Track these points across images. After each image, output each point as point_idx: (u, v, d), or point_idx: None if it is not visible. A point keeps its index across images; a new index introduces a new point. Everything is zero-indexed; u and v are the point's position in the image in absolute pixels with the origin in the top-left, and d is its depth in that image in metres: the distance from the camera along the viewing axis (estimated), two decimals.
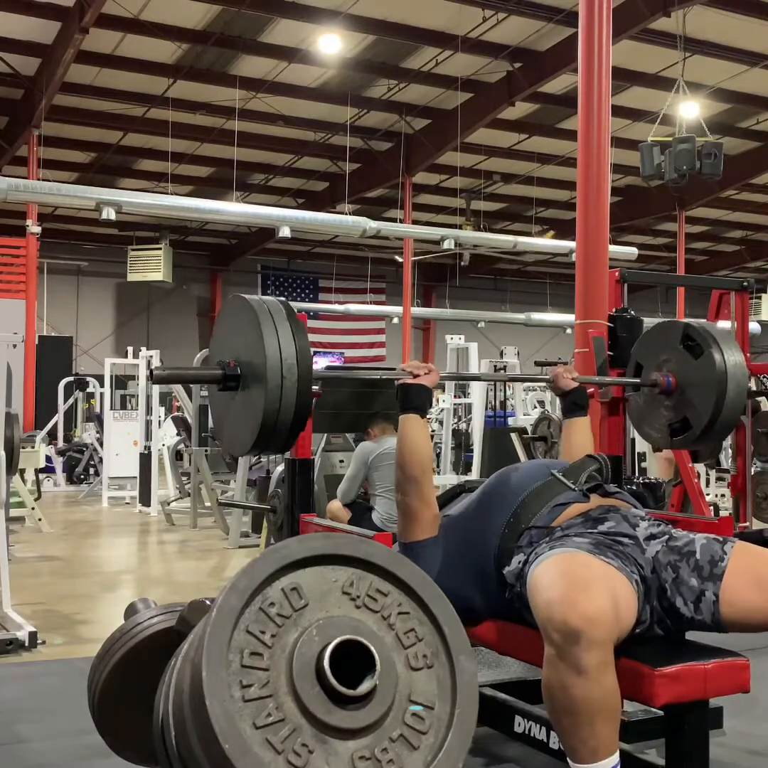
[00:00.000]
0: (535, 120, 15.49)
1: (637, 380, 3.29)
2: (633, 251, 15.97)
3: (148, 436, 10.36)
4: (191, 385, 9.24)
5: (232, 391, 2.58)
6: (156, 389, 10.44)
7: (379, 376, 3.22)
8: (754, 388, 5.59)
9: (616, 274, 5.46)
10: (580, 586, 2.02)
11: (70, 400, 13.30)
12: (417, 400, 2.62)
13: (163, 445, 10.50)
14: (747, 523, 5.30)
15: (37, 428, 12.93)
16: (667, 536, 2.33)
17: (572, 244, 11.92)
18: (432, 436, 12.06)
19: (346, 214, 15.96)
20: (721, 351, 3.05)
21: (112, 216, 12.25)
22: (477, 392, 10.37)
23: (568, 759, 2.04)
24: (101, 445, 11.56)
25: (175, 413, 11.35)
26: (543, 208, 20.12)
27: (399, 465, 2.54)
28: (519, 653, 2.55)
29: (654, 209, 19.35)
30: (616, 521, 2.34)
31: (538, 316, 22.26)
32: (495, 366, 10.94)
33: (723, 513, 7.48)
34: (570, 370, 3.03)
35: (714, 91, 13.98)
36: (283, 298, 2.66)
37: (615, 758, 2.00)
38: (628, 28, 11.30)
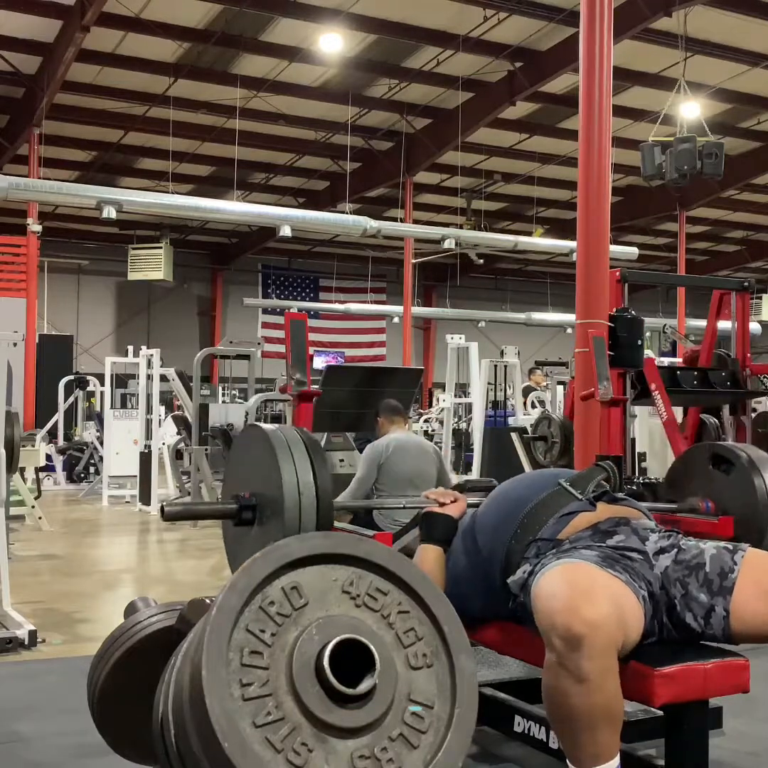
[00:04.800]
0: (536, 120, 15.50)
1: (675, 506, 3.19)
2: (634, 251, 15.98)
3: (148, 434, 10.35)
4: (192, 385, 9.25)
5: (248, 526, 2.49)
6: (156, 388, 10.44)
7: (403, 505, 3.04)
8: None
9: (617, 274, 5.47)
10: (582, 594, 2.00)
11: (71, 399, 13.29)
12: (440, 531, 2.52)
13: (164, 443, 10.50)
14: None
15: (38, 427, 12.92)
16: (676, 549, 2.29)
17: (573, 244, 11.93)
18: (432, 437, 12.11)
19: (347, 213, 15.96)
20: (753, 463, 3.02)
21: (113, 215, 12.28)
22: (477, 392, 10.37)
23: (567, 761, 2.03)
24: (101, 443, 11.55)
25: (176, 412, 11.35)
26: (544, 207, 20.12)
27: None
28: (519, 653, 2.55)
29: (655, 209, 19.35)
30: (626, 535, 2.30)
31: (538, 315, 22.27)
32: (495, 365, 10.93)
33: None
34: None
35: (715, 91, 13.98)
36: (302, 429, 2.54)
37: (615, 762, 1.98)
38: (630, 28, 11.31)
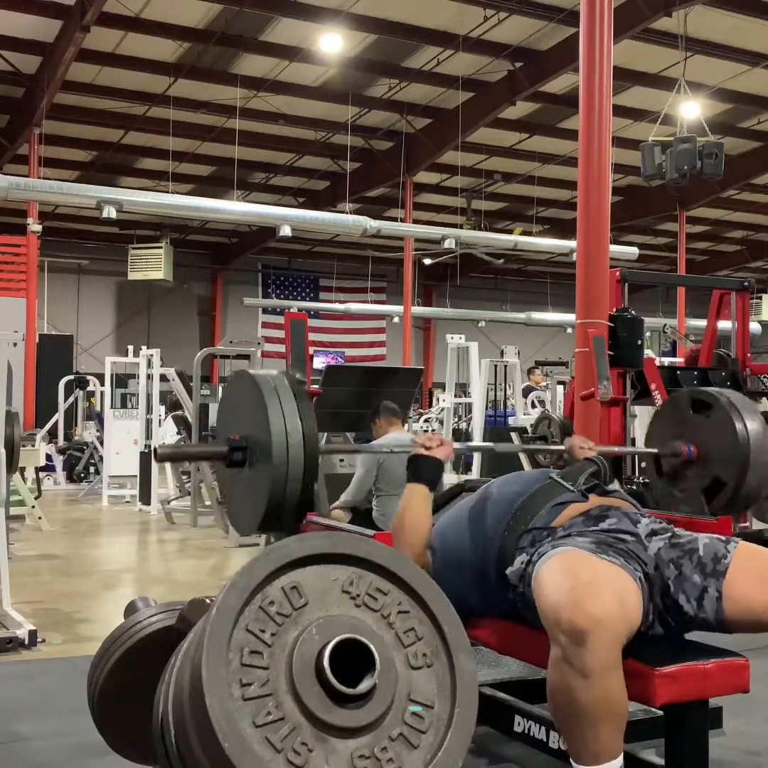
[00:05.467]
0: (536, 119, 15.49)
1: (656, 450, 3.24)
2: (634, 251, 15.97)
3: (148, 434, 10.36)
4: (192, 385, 9.25)
5: (239, 467, 2.55)
6: (156, 388, 10.45)
7: (389, 450, 3.15)
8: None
9: (617, 273, 5.47)
10: (586, 588, 2.01)
11: (71, 399, 13.30)
12: (427, 471, 2.62)
13: (164, 443, 10.50)
14: (747, 523, 5.29)
15: (38, 427, 12.91)
16: (669, 534, 2.33)
17: (573, 244, 11.93)
18: None
19: (347, 213, 15.96)
20: (732, 404, 3.04)
21: (113, 214, 12.27)
22: (477, 392, 10.37)
23: (570, 760, 2.03)
24: (101, 443, 11.55)
25: (176, 412, 11.35)
26: (544, 207, 20.12)
27: (397, 531, 2.54)
28: (519, 653, 2.56)
29: (655, 209, 19.34)
30: (617, 518, 2.34)
31: (538, 315, 22.26)
32: (495, 365, 10.93)
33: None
34: (585, 439, 2.90)
35: (715, 91, 13.97)
36: (289, 374, 2.63)
37: (618, 761, 1.98)
38: (630, 28, 11.30)
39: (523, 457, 8.20)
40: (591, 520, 2.35)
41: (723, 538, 2.31)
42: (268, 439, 2.41)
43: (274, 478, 2.40)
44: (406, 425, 5.95)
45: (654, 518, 2.41)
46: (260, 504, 2.46)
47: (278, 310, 21.75)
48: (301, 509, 2.50)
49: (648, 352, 6.81)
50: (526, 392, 12.04)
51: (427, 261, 19.71)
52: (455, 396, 11.31)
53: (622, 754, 2.00)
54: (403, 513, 2.55)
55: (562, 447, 2.91)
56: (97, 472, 11.98)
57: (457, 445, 2.79)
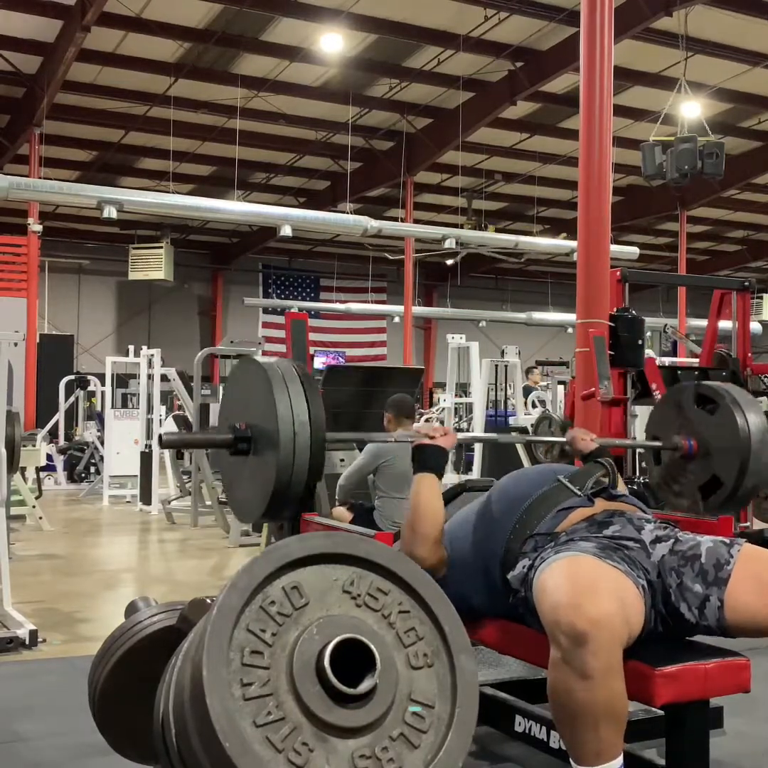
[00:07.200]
0: (536, 119, 15.49)
1: (658, 444, 3.22)
2: (634, 251, 15.96)
3: (149, 434, 10.36)
4: (192, 385, 9.25)
5: (243, 456, 2.53)
6: (157, 388, 10.45)
7: (393, 439, 3.11)
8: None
9: (618, 273, 5.47)
10: (586, 590, 2.00)
11: (71, 399, 13.29)
12: (432, 460, 2.60)
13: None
14: (748, 523, 5.29)
15: (38, 427, 12.91)
16: (672, 540, 2.30)
17: (573, 244, 11.93)
18: None
19: (348, 213, 15.96)
20: (736, 401, 3.03)
21: (114, 214, 12.26)
22: (478, 392, 10.37)
23: (570, 760, 2.03)
24: (102, 443, 11.55)
25: (176, 412, 11.35)
26: (544, 207, 20.12)
27: (410, 523, 2.51)
28: (519, 652, 2.55)
29: (655, 209, 19.34)
30: (621, 525, 2.32)
31: (539, 315, 22.26)
32: (496, 365, 10.93)
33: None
34: (586, 431, 2.90)
35: (716, 90, 13.97)
36: (297, 363, 2.58)
37: (618, 762, 1.99)
38: (630, 28, 11.30)
39: (523, 455, 8.20)
40: (595, 526, 2.33)
41: (727, 541, 2.28)
42: (275, 426, 2.37)
43: (280, 465, 2.38)
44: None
45: (659, 523, 2.38)
46: (265, 492, 2.43)
47: (279, 310, 21.76)
48: (306, 496, 2.48)
49: (649, 352, 6.81)
50: (526, 392, 12.05)
51: (449, 261, 19.73)
52: (456, 396, 11.31)
53: (621, 756, 2.00)
54: (415, 504, 2.51)
55: (563, 439, 2.89)
56: (98, 472, 11.98)
57: (460, 435, 2.78)
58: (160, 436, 2.63)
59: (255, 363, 2.55)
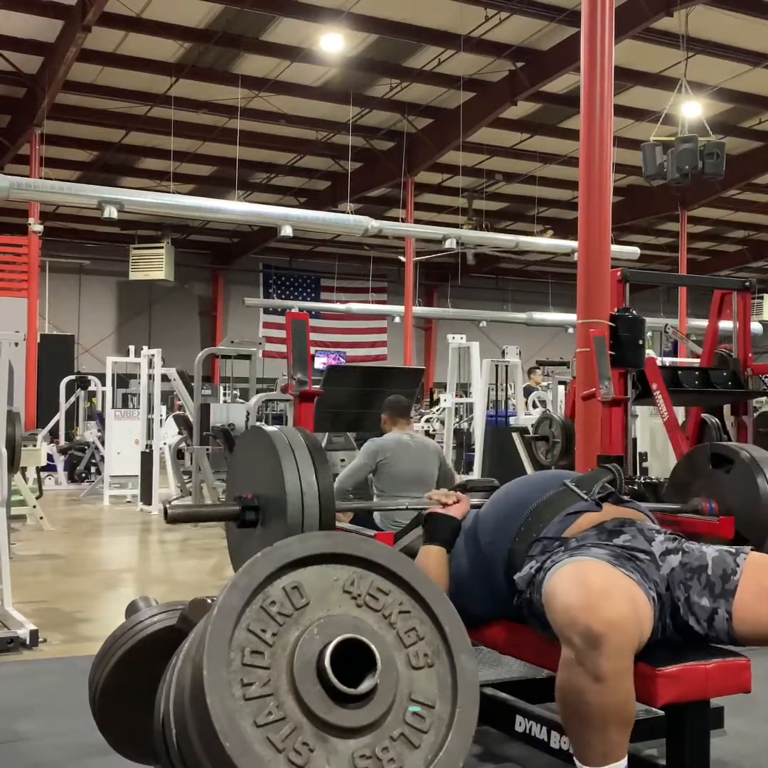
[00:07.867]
0: (537, 119, 15.49)
1: (678, 506, 3.20)
2: (635, 251, 15.97)
3: (149, 434, 10.36)
4: (193, 385, 9.25)
5: (251, 528, 2.49)
6: (157, 388, 10.45)
7: (405, 506, 3.02)
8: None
9: (618, 273, 5.46)
10: (602, 592, 2.00)
11: (72, 399, 13.29)
12: (443, 532, 2.52)
13: (165, 443, 10.49)
14: None
15: (39, 427, 12.91)
16: (681, 552, 2.29)
17: (574, 244, 11.92)
18: (433, 436, 12.11)
19: (348, 213, 15.96)
20: (754, 460, 3.02)
21: (114, 214, 12.27)
22: (478, 392, 10.36)
23: (575, 759, 2.03)
24: (103, 443, 11.55)
25: (177, 412, 11.36)
26: (545, 207, 20.12)
27: None
28: (520, 653, 2.55)
29: (656, 209, 19.34)
30: (632, 535, 2.31)
31: (539, 315, 22.27)
32: (497, 365, 10.92)
33: None
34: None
35: (716, 90, 13.97)
36: (304, 430, 2.55)
37: (623, 763, 1.99)
38: (631, 28, 11.31)
39: (524, 456, 8.19)
40: (605, 534, 2.32)
41: (733, 550, 2.27)
42: (283, 496, 2.33)
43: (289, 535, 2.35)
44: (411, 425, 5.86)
45: (668, 534, 2.37)
46: None
47: (279, 310, 21.77)
48: None
49: (649, 352, 6.80)
50: (527, 392, 12.04)
51: (470, 261, 19.73)
52: (456, 396, 11.31)
53: (626, 757, 2.00)
54: None
55: None
56: (99, 472, 11.98)
57: (474, 500, 2.65)
58: (165, 510, 2.55)
59: (262, 431, 2.51)
